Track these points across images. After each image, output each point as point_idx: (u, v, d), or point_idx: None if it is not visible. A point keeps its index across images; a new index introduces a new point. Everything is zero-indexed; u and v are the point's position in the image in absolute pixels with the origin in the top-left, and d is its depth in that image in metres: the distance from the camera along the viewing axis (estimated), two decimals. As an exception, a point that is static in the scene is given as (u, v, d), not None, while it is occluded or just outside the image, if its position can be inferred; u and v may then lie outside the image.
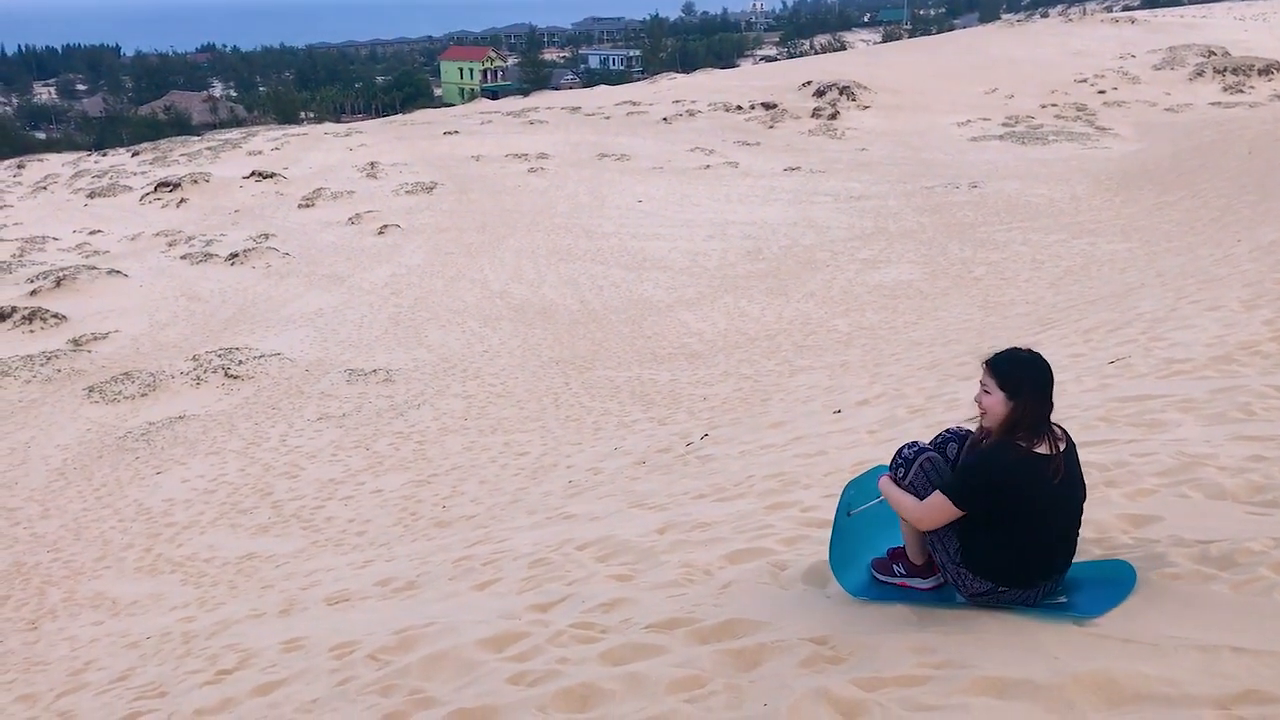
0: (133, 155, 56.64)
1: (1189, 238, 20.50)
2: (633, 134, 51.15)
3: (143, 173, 49.31)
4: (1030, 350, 3.75)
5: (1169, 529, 4.22)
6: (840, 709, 3.26)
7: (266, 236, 34.29)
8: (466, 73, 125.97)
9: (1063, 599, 3.69)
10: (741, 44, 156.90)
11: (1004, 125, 49.65)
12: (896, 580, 4.08)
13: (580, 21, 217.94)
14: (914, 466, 3.85)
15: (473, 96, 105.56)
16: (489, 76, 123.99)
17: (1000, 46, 69.82)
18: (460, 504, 12.12)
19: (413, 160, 46.66)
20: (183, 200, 42.30)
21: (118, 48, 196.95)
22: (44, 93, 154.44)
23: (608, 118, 57.36)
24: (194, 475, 15.60)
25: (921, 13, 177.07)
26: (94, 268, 30.37)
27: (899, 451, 3.95)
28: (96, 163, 55.50)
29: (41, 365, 22.15)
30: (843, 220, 30.93)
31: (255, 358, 21.49)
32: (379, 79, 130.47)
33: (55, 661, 8.85)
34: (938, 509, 3.67)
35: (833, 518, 4.29)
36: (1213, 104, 51.31)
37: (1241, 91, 53.66)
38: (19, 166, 56.51)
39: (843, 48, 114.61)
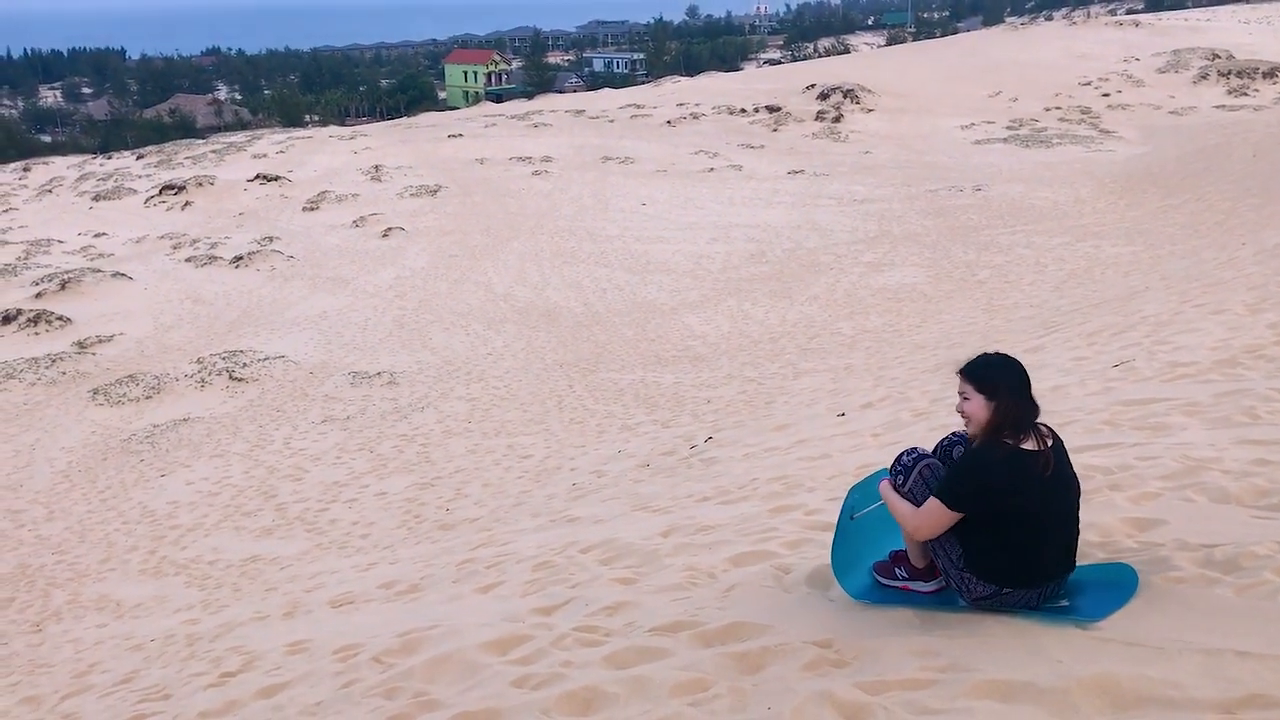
0: (138, 158, 56.71)
1: (1193, 241, 20.48)
2: (637, 137, 51.17)
3: (147, 176, 49.38)
4: (1000, 353, 3.80)
5: (1173, 533, 4.21)
6: (844, 712, 3.26)
7: (271, 239, 34.33)
8: (471, 76, 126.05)
9: (1065, 602, 3.70)
10: (745, 47, 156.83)
11: (1008, 128, 49.62)
12: (899, 584, 4.08)
13: (584, 25, 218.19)
14: (913, 474, 3.87)
15: (477, 99, 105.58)
16: (493, 80, 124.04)
17: (1004, 49, 69.77)
18: (464, 506, 12.13)
19: (417, 163, 46.70)
20: (187, 203, 42.37)
21: (123, 51, 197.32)
22: (49, 96, 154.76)
23: (612, 121, 57.39)
24: (198, 478, 15.62)
25: (925, 16, 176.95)
26: (99, 270, 30.42)
27: (898, 458, 3.97)
28: (101, 166, 55.58)
29: (46, 368, 22.19)
30: (846, 223, 30.93)
31: (259, 360, 21.52)
32: (383, 82, 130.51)
33: (59, 664, 8.86)
34: (934, 515, 3.68)
35: (835, 521, 4.30)
36: (1217, 107, 51.25)
37: (1246, 94, 53.59)
38: (25, 169, 56.61)
39: (846, 51, 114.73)
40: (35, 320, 25.70)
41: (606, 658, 4.17)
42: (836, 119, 53.80)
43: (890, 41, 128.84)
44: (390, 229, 34.48)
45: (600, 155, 46.55)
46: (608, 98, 70.83)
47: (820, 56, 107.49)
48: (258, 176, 45.07)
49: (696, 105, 59.81)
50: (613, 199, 37.60)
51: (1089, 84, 58.00)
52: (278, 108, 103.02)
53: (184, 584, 11.53)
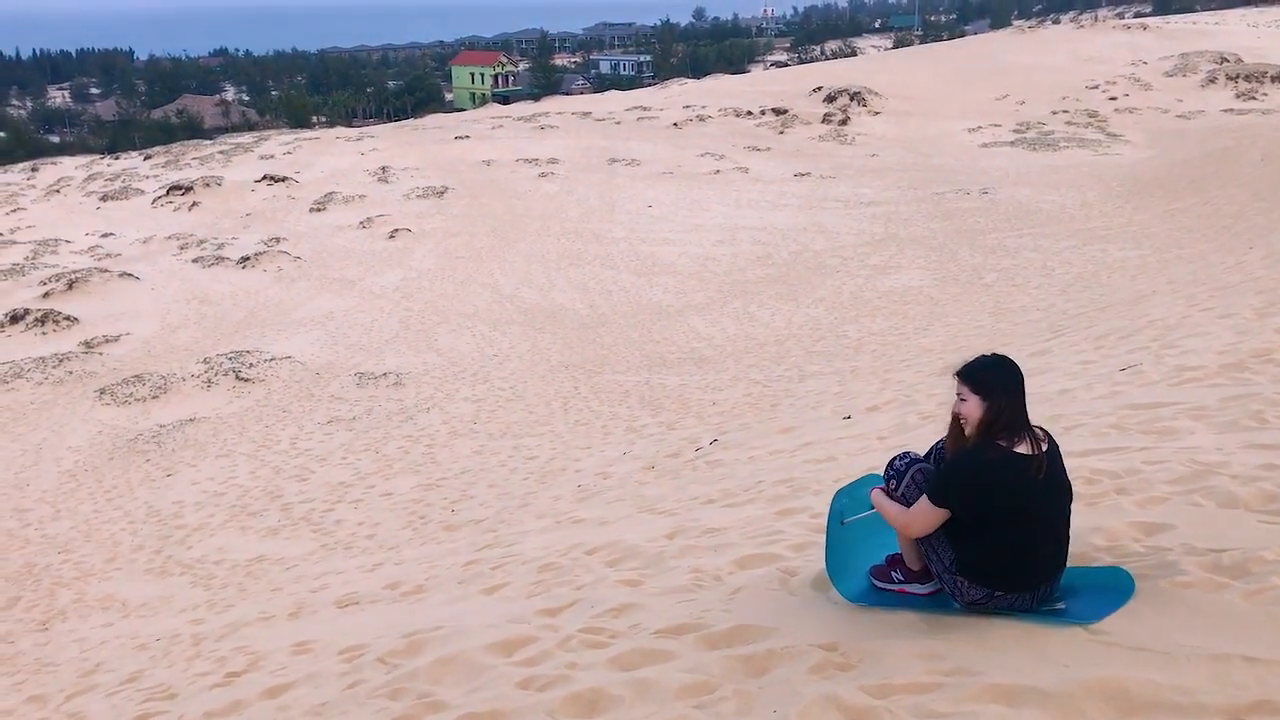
0: (145, 159, 56.83)
1: (1201, 245, 20.43)
2: (643, 139, 51.17)
3: (155, 176, 49.48)
4: (996, 354, 3.82)
5: (1181, 537, 4.20)
6: (850, 715, 3.25)
7: (278, 240, 34.38)
8: (478, 78, 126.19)
9: (1060, 605, 3.72)
10: (752, 49, 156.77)
11: (1015, 131, 49.53)
12: (895, 586, 4.11)
13: (591, 27, 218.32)
14: (906, 478, 3.90)
15: (484, 101, 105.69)
16: (500, 81, 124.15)
17: (1011, 53, 69.67)
18: (469, 508, 12.14)
19: (424, 165, 46.73)
20: (195, 204, 42.44)
21: (131, 52, 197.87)
22: (58, 96, 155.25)
23: (618, 123, 57.41)
24: (204, 478, 15.64)
25: (933, 19, 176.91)
26: (106, 270, 30.48)
27: (891, 463, 4.00)
28: (109, 166, 55.68)
29: (53, 367, 22.24)
30: (853, 226, 30.90)
31: (266, 361, 21.55)
32: (390, 83, 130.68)
33: (65, 663, 8.88)
34: (922, 513, 3.73)
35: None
36: (1225, 111, 51.10)
37: (1254, 99, 53.42)
38: (33, 169, 56.73)
39: (853, 53, 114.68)
40: (42, 320, 25.77)
41: (612, 660, 4.17)
42: (843, 121, 53.74)
43: (897, 44, 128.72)
44: (397, 230, 34.52)
45: (606, 157, 46.56)
46: (614, 100, 70.86)
47: (827, 59, 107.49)
48: (265, 177, 45.13)
49: (703, 107, 59.79)
50: (619, 201, 37.61)
51: (1096, 87, 57.87)
52: (285, 109, 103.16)
53: (189, 584, 11.55)
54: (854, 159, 45.42)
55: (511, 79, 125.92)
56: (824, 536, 4.39)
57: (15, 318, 25.93)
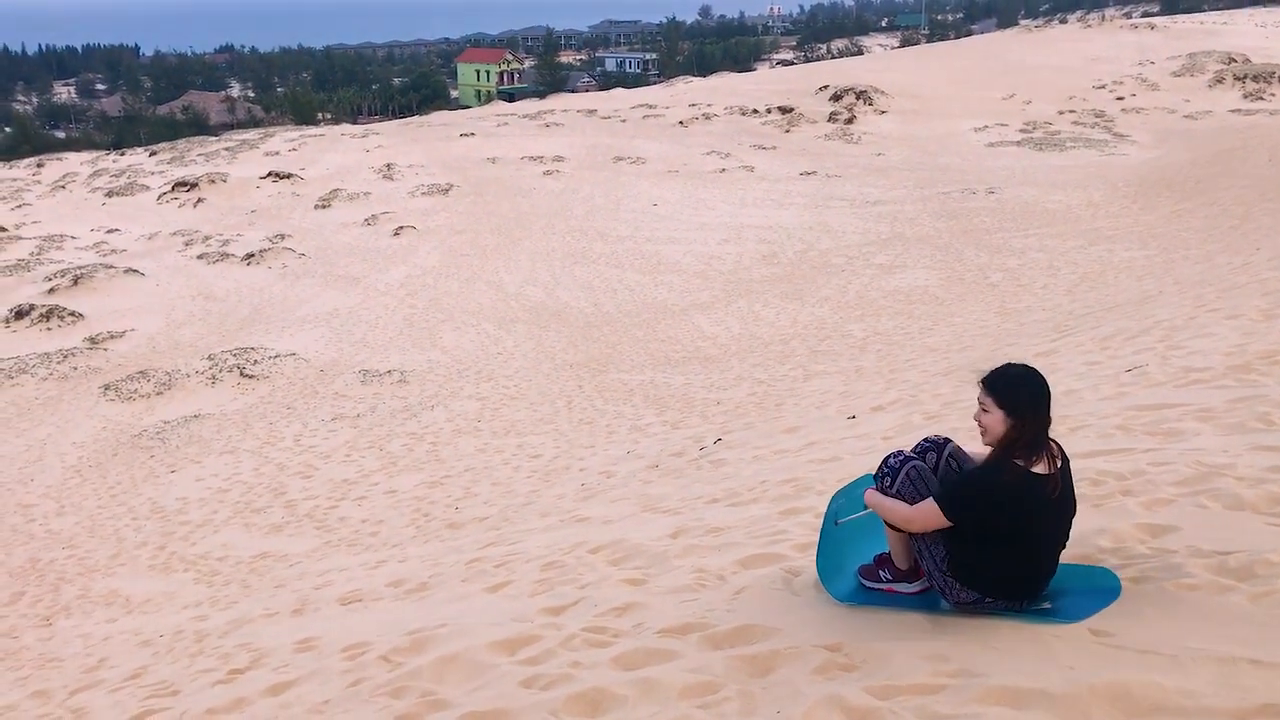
0: (150, 155, 56.93)
1: (1207, 245, 20.39)
2: (648, 137, 51.16)
3: (160, 172, 49.56)
4: (1025, 365, 3.75)
5: (1187, 539, 4.18)
6: (853, 717, 3.24)
7: (283, 237, 34.42)
8: (483, 75, 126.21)
9: (1047, 604, 3.73)
10: (758, 48, 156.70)
11: (1021, 131, 49.47)
12: (883, 586, 4.12)
13: (597, 24, 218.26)
14: (900, 475, 3.90)
15: (489, 99, 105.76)
16: (505, 79, 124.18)
17: (1018, 52, 69.58)
18: (473, 505, 12.13)
19: (429, 162, 46.77)
20: (200, 200, 42.51)
21: (136, 48, 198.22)
22: (63, 92, 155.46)
23: (623, 121, 57.39)
24: (208, 474, 15.66)
25: (939, 18, 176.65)
26: (111, 266, 30.54)
27: (885, 461, 4.01)
28: (115, 162, 55.79)
29: (58, 363, 22.28)
30: (858, 225, 30.87)
31: (270, 357, 21.57)
32: (396, 80, 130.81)
33: (69, 658, 8.89)
34: (929, 515, 3.69)
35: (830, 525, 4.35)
36: (1232, 111, 51.01)
37: (1262, 99, 53.33)
38: (38, 165, 56.85)
39: (860, 52, 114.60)
40: (48, 315, 25.82)
41: (615, 659, 4.16)
42: (849, 120, 53.72)
43: (904, 43, 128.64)
44: (402, 227, 34.55)
45: (612, 155, 46.56)
46: (620, 97, 70.87)
47: (833, 58, 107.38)
48: (270, 174, 45.20)
49: (709, 106, 59.78)
50: (624, 199, 37.60)
51: (1103, 87, 57.80)
52: (290, 105, 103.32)
53: (193, 580, 11.55)
54: (860, 158, 45.39)
55: (517, 76, 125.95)
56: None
57: (20, 313, 25.99)
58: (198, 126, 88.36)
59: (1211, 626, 3.37)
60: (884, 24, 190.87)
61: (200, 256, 32.41)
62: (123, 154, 60.77)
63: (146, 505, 14.65)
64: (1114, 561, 4.08)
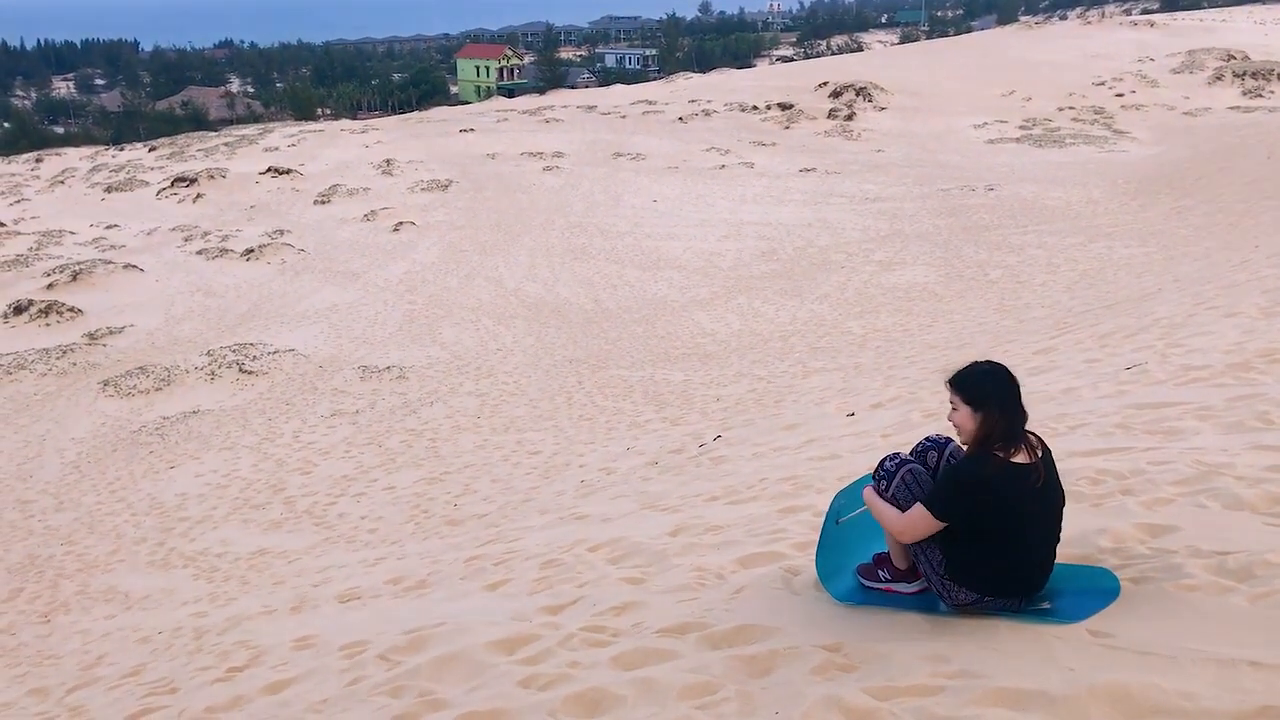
0: (150, 150, 56.83)
1: (1207, 242, 20.39)
2: (648, 133, 51.11)
3: (159, 168, 49.49)
4: (990, 361, 3.79)
5: (1186, 539, 4.17)
6: (852, 718, 3.24)
7: (282, 232, 34.39)
8: (483, 70, 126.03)
9: (1046, 605, 3.72)
10: (758, 44, 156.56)
11: (1021, 128, 49.43)
12: (881, 585, 4.12)
13: (597, 20, 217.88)
14: (896, 479, 3.90)
15: (489, 94, 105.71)
16: (505, 74, 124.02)
17: (1018, 49, 69.50)
18: (472, 502, 12.13)
19: (428, 158, 46.72)
20: (199, 195, 42.44)
21: (136, 43, 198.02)
22: (62, 87, 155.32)
23: (623, 117, 57.31)
24: (207, 470, 15.65)
25: (939, 14, 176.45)
26: (110, 262, 30.50)
27: (881, 463, 3.99)
28: (114, 157, 55.71)
29: (57, 358, 22.27)
30: (858, 222, 30.85)
31: (269, 353, 21.56)
32: (395, 76, 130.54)
33: (67, 655, 8.89)
34: (919, 521, 3.70)
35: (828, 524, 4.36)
36: (1232, 108, 50.97)
37: (1261, 96, 53.28)
38: (37, 160, 56.78)
39: (860, 49, 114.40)
40: (46, 311, 25.79)
41: (614, 658, 4.15)
42: (849, 117, 53.65)
43: (904, 40, 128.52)
44: (401, 223, 34.51)
45: (612, 151, 46.52)
46: (619, 93, 70.80)
47: (833, 54, 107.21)
48: (269, 169, 45.13)
49: (708, 102, 59.70)
50: (624, 195, 37.58)
51: (1103, 84, 57.73)
52: (290, 101, 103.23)
53: (192, 576, 11.56)
54: (859, 155, 45.35)
55: (516, 72, 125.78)
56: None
57: (19, 309, 25.96)
58: (197, 122, 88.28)
59: (1211, 628, 3.37)
60: (884, 20, 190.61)
61: (199, 252, 32.37)
62: (122, 149, 60.67)
63: (145, 501, 14.65)
64: (1114, 561, 4.07)
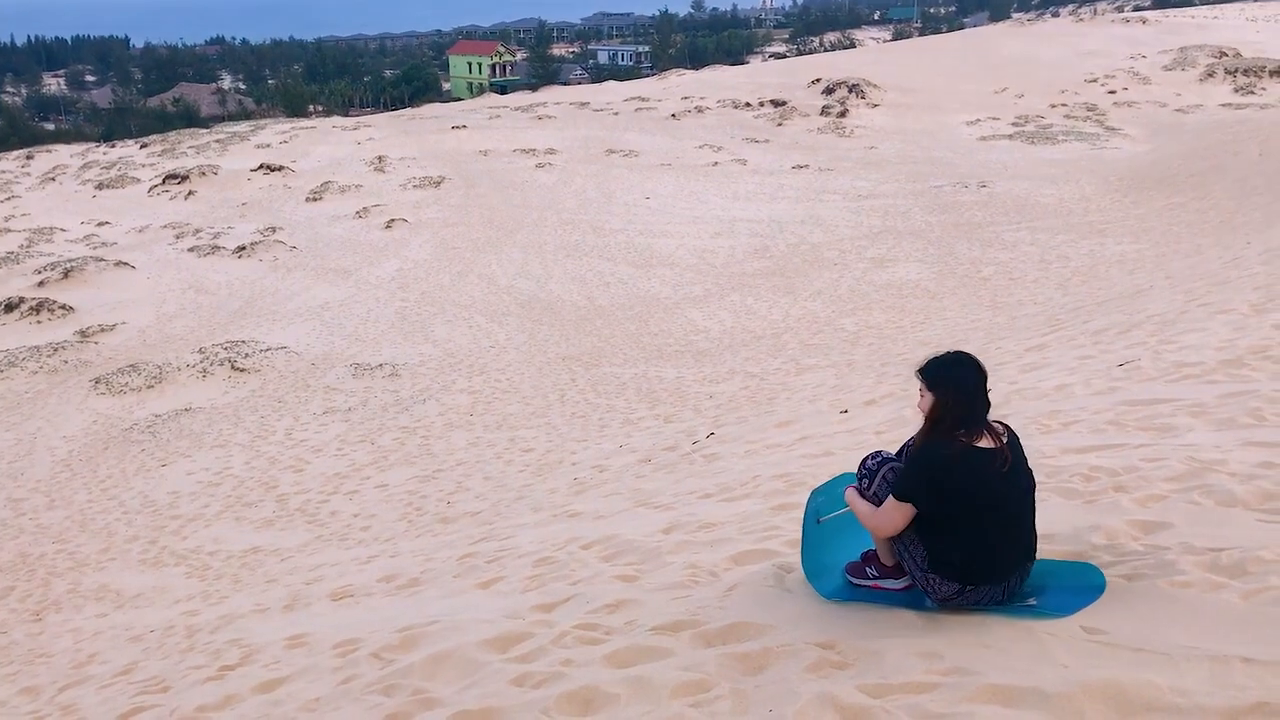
0: (141, 147, 56.63)
1: (1199, 239, 20.44)
2: (641, 130, 51.07)
3: (151, 164, 49.33)
4: (957, 351, 3.85)
5: (1179, 536, 4.18)
6: (846, 715, 3.23)
7: (274, 229, 34.29)
8: (475, 67, 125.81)
9: (1032, 600, 3.75)
10: (751, 41, 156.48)
11: (1013, 125, 49.46)
12: (869, 582, 4.16)
13: (589, 17, 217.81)
14: (877, 477, 3.97)
15: (481, 91, 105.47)
16: (497, 71, 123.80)
17: (1010, 46, 69.55)
18: (465, 500, 12.11)
19: (420, 155, 46.63)
20: (191, 192, 42.31)
21: (127, 39, 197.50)
22: (53, 84, 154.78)
23: (616, 114, 57.26)
24: (199, 468, 15.61)
25: (932, 11, 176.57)
26: (101, 259, 30.40)
27: (863, 462, 4.06)
28: (105, 154, 55.51)
29: (48, 356, 22.19)
30: (851, 219, 30.87)
31: (261, 351, 21.50)
32: (387, 73, 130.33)
33: (58, 653, 8.86)
34: (890, 512, 3.79)
35: (819, 522, 4.38)
36: (1223, 105, 51.06)
37: (1253, 93, 53.36)
38: (27, 157, 56.56)
39: (852, 45, 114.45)
40: (37, 308, 25.70)
41: (607, 657, 4.14)
42: (841, 114, 53.63)
43: (896, 37, 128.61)
44: (393, 220, 34.44)
45: (604, 148, 46.46)
46: (612, 90, 70.72)
47: (826, 51, 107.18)
48: (261, 166, 45.01)
49: (701, 99, 59.65)
50: (616, 192, 37.54)
51: (1095, 81, 57.78)
52: (281, 97, 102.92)
53: (184, 574, 11.52)
54: (852, 151, 45.36)
55: (509, 69, 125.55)
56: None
57: (10, 306, 25.86)
58: (188, 119, 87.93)
59: (1204, 624, 3.37)
60: (876, 17, 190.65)
61: (191, 249, 32.27)
62: (113, 146, 60.45)
63: (137, 499, 14.60)
64: (1107, 558, 4.08)
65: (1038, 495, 3.90)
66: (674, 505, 7.35)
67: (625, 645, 4.21)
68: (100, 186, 45.41)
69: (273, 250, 31.37)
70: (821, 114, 53.96)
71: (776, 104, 56.43)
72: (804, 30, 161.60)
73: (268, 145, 51.68)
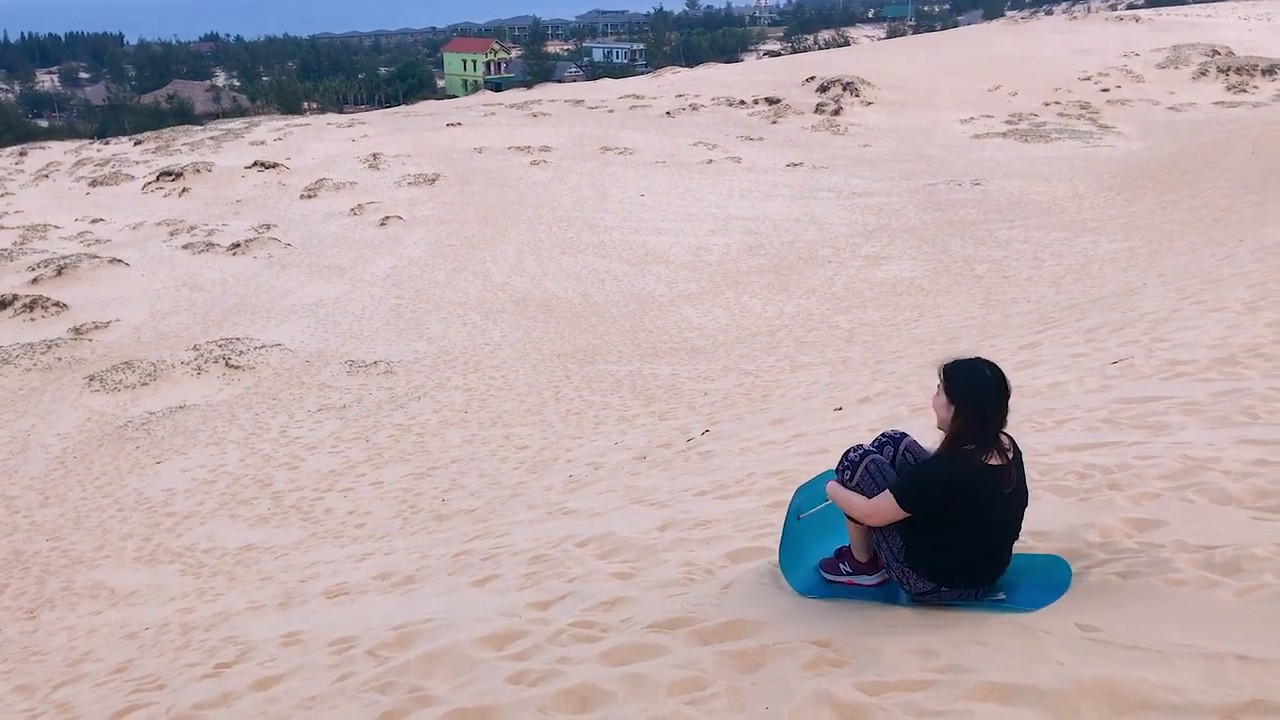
0: (135, 144, 56.52)
1: (1191, 237, 20.47)
2: (635, 128, 51.06)
3: (145, 162, 49.22)
4: (987, 362, 3.79)
5: (1173, 534, 4.19)
6: (843, 713, 3.24)
7: (268, 227, 34.24)
8: (470, 64, 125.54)
9: (1001, 595, 3.80)
10: (745, 39, 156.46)
11: (1007, 123, 49.53)
12: (843, 579, 4.21)
13: (584, 14, 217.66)
14: (859, 469, 4.00)
15: (476, 88, 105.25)
16: (492, 68, 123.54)
17: (1004, 44, 69.66)
18: (460, 497, 12.11)
19: (415, 152, 46.57)
20: (185, 190, 42.23)
21: (121, 36, 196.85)
22: (46, 80, 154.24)
23: (611, 111, 57.24)
24: (194, 465, 15.59)
25: (925, 9, 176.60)
26: (95, 256, 30.34)
27: (845, 455, 4.09)
28: (99, 151, 55.38)
29: (42, 353, 22.14)
30: (845, 216, 30.89)
31: (256, 348, 21.47)
32: (382, 70, 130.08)
33: (53, 651, 8.84)
34: (885, 508, 3.81)
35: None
36: (1216, 103, 51.19)
37: (1245, 91, 53.52)
38: (21, 154, 56.42)
39: (847, 43, 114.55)
40: (31, 306, 25.64)
41: (604, 654, 4.15)
42: (836, 112, 53.67)
43: (890, 34, 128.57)
44: (388, 218, 34.41)
45: (599, 146, 46.44)
46: (607, 88, 70.71)
47: (820, 49, 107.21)
48: (255, 164, 44.93)
49: (696, 96, 59.66)
50: (611, 190, 37.53)
51: (1088, 79, 57.88)
52: (276, 95, 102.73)
53: (179, 572, 11.50)
54: (846, 149, 45.39)
55: (504, 66, 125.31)
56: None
57: (3, 304, 25.80)
58: (183, 116, 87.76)
59: (1198, 622, 3.38)
60: (870, 15, 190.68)
61: (185, 246, 32.21)
62: (107, 143, 60.31)
63: (132, 497, 14.58)
64: (1101, 556, 4.09)
65: (1032, 493, 3.92)
66: (669, 502, 7.36)
67: (621, 643, 4.22)
68: (94, 183, 45.32)
69: (267, 247, 31.33)
70: (816, 112, 54.00)
71: (771, 102, 56.47)
72: (798, 28, 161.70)
73: (262, 142, 51.60)
